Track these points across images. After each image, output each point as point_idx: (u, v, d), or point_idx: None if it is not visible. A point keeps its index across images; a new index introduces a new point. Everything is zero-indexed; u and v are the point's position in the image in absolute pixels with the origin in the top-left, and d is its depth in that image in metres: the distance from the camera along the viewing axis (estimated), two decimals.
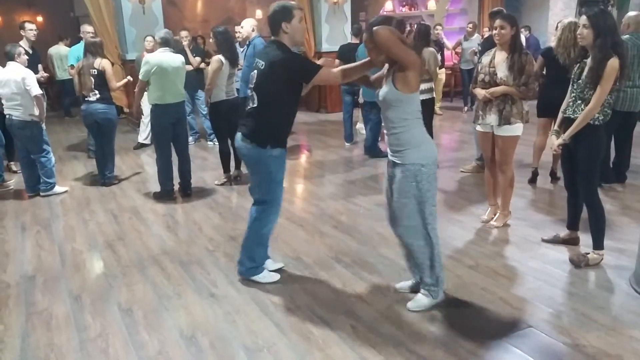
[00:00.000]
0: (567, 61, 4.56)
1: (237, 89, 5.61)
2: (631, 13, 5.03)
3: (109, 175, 5.53)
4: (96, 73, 5.21)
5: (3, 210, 4.89)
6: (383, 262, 3.52)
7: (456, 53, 9.59)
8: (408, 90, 2.67)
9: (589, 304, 2.92)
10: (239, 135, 3.13)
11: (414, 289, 3.04)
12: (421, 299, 2.91)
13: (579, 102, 3.24)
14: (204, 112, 7.25)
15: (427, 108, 5.74)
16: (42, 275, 3.52)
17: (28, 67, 5.09)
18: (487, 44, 4.44)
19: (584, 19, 3.13)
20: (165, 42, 4.88)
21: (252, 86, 3.02)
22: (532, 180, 5.14)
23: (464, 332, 2.69)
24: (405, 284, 3.13)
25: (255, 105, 3.00)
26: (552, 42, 4.83)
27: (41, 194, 5.21)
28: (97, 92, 5.24)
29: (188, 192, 5.12)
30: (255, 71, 3.00)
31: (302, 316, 2.88)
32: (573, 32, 4.58)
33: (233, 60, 5.18)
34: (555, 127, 3.44)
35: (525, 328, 2.71)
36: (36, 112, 4.97)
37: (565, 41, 4.57)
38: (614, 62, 3.04)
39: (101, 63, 5.24)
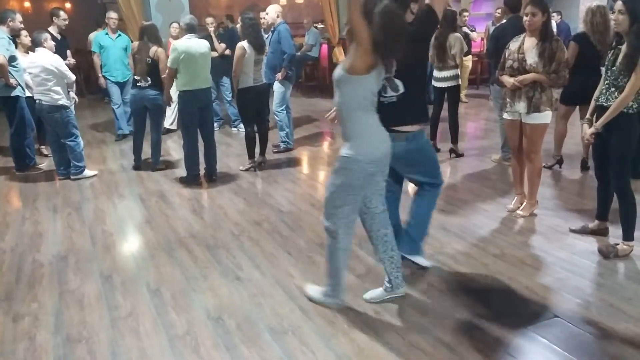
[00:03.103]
0: (601, 47, 4.46)
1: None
2: None
3: (155, 161, 5.60)
4: (150, 62, 5.22)
5: (35, 193, 5.04)
6: None
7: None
8: (352, 69, 2.41)
9: (617, 295, 2.87)
10: (389, 137, 2.64)
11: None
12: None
13: (613, 89, 3.16)
14: (229, 99, 7.31)
15: (453, 95, 5.69)
16: (74, 256, 3.63)
17: (58, 53, 5.20)
18: (513, 29, 4.33)
19: (619, 4, 3.04)
20: (190, 28, 4.91)
21: (387, 75, 2.68)
22: (557, 165, 5.15)
23: (489, 320, 2.68)
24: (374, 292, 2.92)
25: (402, 91, 2.76)
26: (583, 28, 4.70)
27: (71, 177, 5.35)
28: (149, 78, 5.27)
29: (213, 177, 5.19)
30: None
31: None
32: (605, 16, 4.48)
33: (259, 47, 5.19)
34: (588, 115, 3.37)
35: (551, 318, 2.69)
36: (70, 96, 5.13)
37: (598, 26, 4.47)
38: None
39: (156, 53, 5.24)
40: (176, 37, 6.61)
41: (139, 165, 5.65)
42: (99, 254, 3.64)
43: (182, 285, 3.16)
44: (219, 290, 3.08)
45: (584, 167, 5.05)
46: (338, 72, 2.48)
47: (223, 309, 2.87)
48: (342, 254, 2.73)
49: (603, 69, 4.68)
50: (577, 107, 4.91)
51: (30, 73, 5.11)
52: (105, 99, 9.87)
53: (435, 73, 5.66)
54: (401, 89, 2.77)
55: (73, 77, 5.23)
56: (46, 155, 6.19)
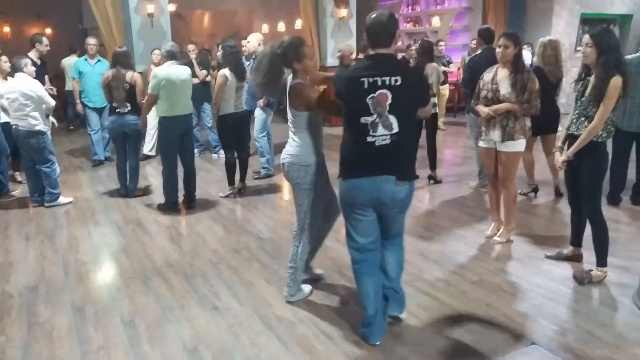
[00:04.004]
0: (553, 79, 4.66)
1: None
2: None
3: (133, 187, 5.55)
4: (128, 87, 5.22)
5: (7, 220, 4.91)
6: None
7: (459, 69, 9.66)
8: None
9: (592, 321, 2.91)
10: (388, 179, 2.53)
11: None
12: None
13: (582, 119, 3.26)
14: (209, 125, 7.31)
15: (431, 123, 5.79)
16: (45, 286, 3.52)
17: (37, 78, 5.16)
18: (487, 60, 4.46)
19: (586, 38, 3.16)
20: (171, 55, 4.93)
21: (380, 109, 2.46)
22: (533, 193, 5.22)
23: (468, 348, 2.68)
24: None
25: (396, 130, 2.49)
26: (538, 61, 4.88)
27: (45, 204, 5.24)
28: (128, 104, 5.25)
29: (192, 204, 5.14)
30: (385, 91, 2.46)
31: (305, 330, 2.88)
32: (555, 50, 4.70)
33: (240, 74, 5.24)
34: (559, 144, 3.46)
35: (528, 345, 2.70)
36: (48, 122, 5.07)
37: (549, 59, 4.69)
38: (617, 81, 3.07)
39: (133, 77, 5.25)
40: (158, 64, 6.62)
41: (126, 192, 5.55)
42: (71, 284, 3.54)
43: (157, 315, 3.09)
44: (196, 321, 3.01)
45: (558, 193, 5.15)
46: None
47: (199, 340, 2.81)
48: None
49: (559, 100, 4.83)
50: (539, 137, 5.05)
51: (7, 98, 5.04)
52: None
53: None
54: (395, 128, 2.48)
55: (53, 103, 5.18)
56: (20, 182, 6.07)
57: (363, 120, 2.48)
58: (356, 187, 2.58)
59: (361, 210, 2.61)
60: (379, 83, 2.45)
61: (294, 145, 3.04)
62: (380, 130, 2.48)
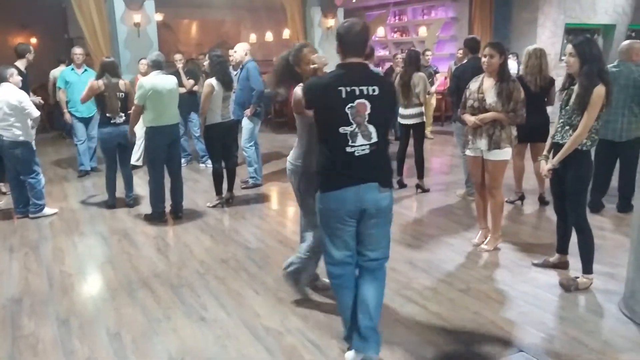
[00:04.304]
0: (535, 88, 4.69)
1: None
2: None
3: (131, 196, 5.52)
4: (123, 96, 5.20)
5: None
6: None
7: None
8: None
9: (579, 328, 2.92)
10: (371, 186, 2.48)
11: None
12: None
13: (567, 127, 3.30)
14: (197, 135, 7.29)
15: (418, 132, 5.84)
16: (29, 298, 3.46)
17: (22, 88, 5.10)
18: (473, 69, 4.51)
19: (569, 48, 3.22)
20: (156, 65, 4.91)
21: (360, 119, 2.42)
22: (520, 201, 5.25)
23: (456, 356, 2.68)
24: None
25: (375, 140, 2.45)
26: (522, 70, 4.94)
27: (30, 215, 5.16)
28: (123, 115, 5.22)
29: (179, 214, 5.10)
30: (363, 100, 2.42)
31: (293, 340, 2.86)
32: (539, 59, 4.74)
33: (227, 84, 5.23)
34: (545, 152, 3.50)
35: (516, 352, 2.71)
36: (32, 133, 5.00)
37: (532, 68, 4.73)
38: (600, 90, 3.12)
39: (126, 85, 5.25)
40: (145, 74, 6.60)
41: (113, 203, 5.48)
42: (55, 296, 3.49)
43: (143, 327, 3.05)
44: (182, 332, 2.98)
45: (543, 201, 5.20)
46: None
47: (186, 352, 2.78)
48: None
49: (549, 108, 4.87)
50: (528, 144, 5.11)
51: None
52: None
53: (401, 110, 5.80)
54: (374, 138, 2.45)
55: (36, 114, 5.08)
56: (4, 193, 5.98)
57: (342, 130, 2.41)
58: (339, 198, 2.48)
59: (342, 223, 2.51)
60: (357, 92, 2.41)
61: (293, 149, 3.11)
62: (360, 140, 2.43)
